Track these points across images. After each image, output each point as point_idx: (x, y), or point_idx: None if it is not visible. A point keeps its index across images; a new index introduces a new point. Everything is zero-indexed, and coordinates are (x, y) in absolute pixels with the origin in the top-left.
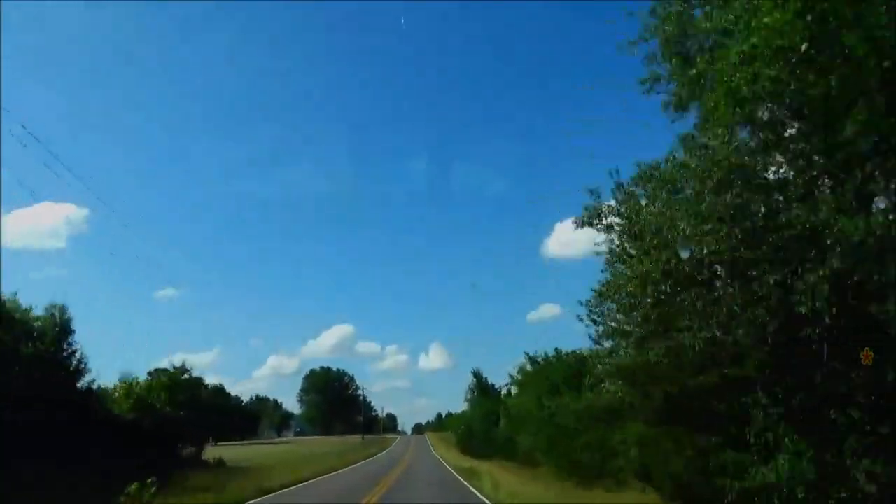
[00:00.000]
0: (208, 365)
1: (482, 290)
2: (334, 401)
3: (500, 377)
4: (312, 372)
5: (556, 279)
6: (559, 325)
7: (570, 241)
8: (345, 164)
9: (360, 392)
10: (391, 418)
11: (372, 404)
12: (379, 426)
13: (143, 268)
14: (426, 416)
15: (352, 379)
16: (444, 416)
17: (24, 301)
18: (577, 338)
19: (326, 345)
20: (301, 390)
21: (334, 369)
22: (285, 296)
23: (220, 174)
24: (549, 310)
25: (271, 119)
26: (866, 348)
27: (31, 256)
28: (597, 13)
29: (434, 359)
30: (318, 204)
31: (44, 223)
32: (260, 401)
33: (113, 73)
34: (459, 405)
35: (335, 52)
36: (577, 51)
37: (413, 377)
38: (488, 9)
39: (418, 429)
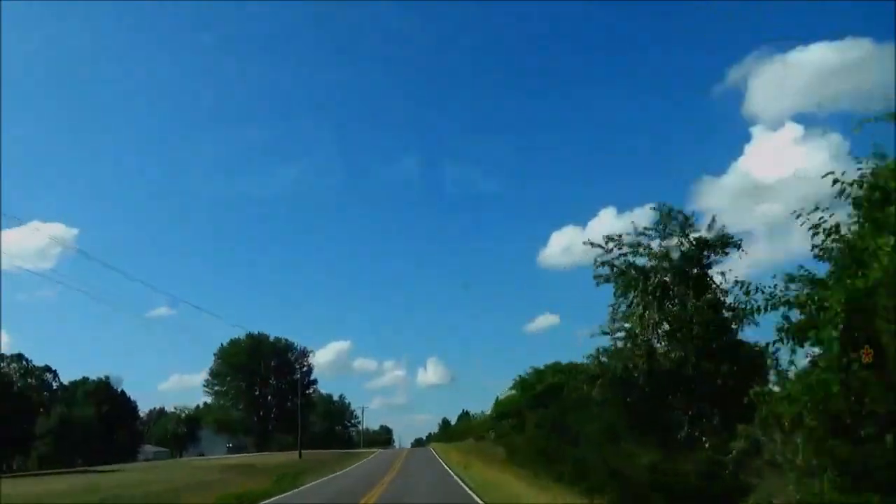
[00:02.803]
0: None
1: (479, 298)
2: (266, 390)
3: (497, 392)
4: (233, 343)
5: (553, 288)
6: (558, 335)
7: (567, 249)
8: (336, 168)
9: (304, 366)
10: (386, 430)
11: (350, 405)
12: (359, 438)
13: (136, 287)
14: (427, 430)
15: (302, 354)
16: (451, 422)
17: None
18: (579, 348)
19: (323, 361)
20: (211, 375)
21: (271, 338)
22: (281, 311)
23: (208, 176)
24: (547, 320)
25: (259, 121)
26: (866, 346)
27: (20, 278)
28: (593, 11)
29: (432, 374)
30: (310, 211)
31: (32, 243)
32: (208, 409)
33: (100, 75)
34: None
35: (324, 51)
36: (572, 50)
37: (411, 393)
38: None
39: (419, 442)
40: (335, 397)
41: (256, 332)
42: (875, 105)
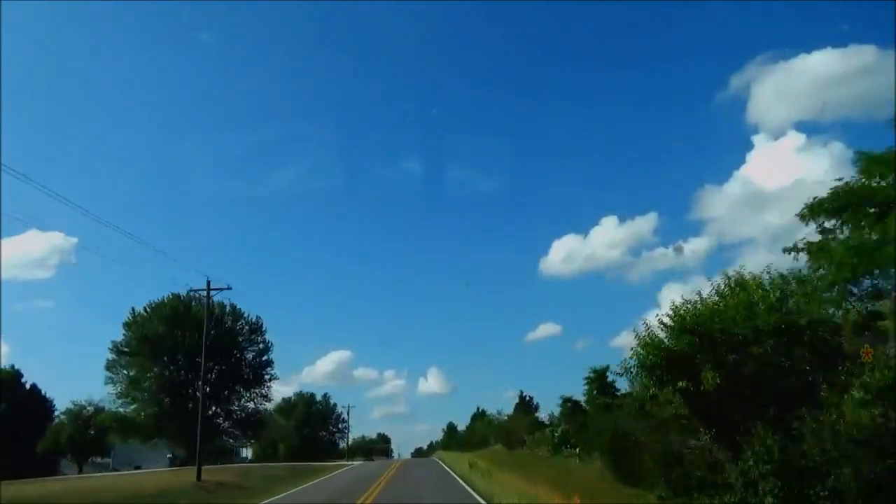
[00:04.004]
0: None
1: (480, 306)
2: (198, 375)
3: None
4: (154, 307)
5: (554, 297)
6: (560, 344)
7: (568, 258)
8: (335, 169)
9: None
10: (384, 438)
11: (337, 407)
12: (345, 449)
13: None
14: (428, 439)
15: (257, 329)
16: (458, 428)
17: None
18: (581, 358)
19: (323, 371)
20: (116, 353)
21: (215, 304)
22: (281, 315)
23: (207, 178)
24: (548, 329)
25: (258, 122)
26: (866, 345)
27: (18, 287)
28: (595, 16)
29: (433, 383)
30: (310, 214)
31: (31, 252)
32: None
33: (96, 78)
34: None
35: (324, 51)
36: (573, 56)
37: (412, 402)
38: (484, 8)
39: (419, 452)
40: (318, 397)
41: (186, 292)
42: (878, 112)
